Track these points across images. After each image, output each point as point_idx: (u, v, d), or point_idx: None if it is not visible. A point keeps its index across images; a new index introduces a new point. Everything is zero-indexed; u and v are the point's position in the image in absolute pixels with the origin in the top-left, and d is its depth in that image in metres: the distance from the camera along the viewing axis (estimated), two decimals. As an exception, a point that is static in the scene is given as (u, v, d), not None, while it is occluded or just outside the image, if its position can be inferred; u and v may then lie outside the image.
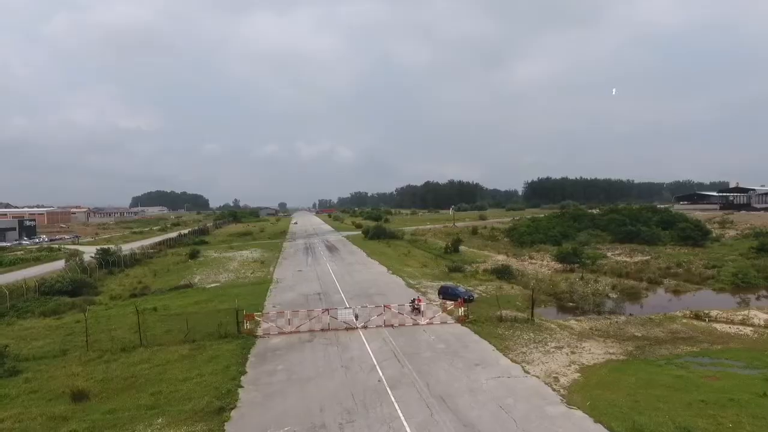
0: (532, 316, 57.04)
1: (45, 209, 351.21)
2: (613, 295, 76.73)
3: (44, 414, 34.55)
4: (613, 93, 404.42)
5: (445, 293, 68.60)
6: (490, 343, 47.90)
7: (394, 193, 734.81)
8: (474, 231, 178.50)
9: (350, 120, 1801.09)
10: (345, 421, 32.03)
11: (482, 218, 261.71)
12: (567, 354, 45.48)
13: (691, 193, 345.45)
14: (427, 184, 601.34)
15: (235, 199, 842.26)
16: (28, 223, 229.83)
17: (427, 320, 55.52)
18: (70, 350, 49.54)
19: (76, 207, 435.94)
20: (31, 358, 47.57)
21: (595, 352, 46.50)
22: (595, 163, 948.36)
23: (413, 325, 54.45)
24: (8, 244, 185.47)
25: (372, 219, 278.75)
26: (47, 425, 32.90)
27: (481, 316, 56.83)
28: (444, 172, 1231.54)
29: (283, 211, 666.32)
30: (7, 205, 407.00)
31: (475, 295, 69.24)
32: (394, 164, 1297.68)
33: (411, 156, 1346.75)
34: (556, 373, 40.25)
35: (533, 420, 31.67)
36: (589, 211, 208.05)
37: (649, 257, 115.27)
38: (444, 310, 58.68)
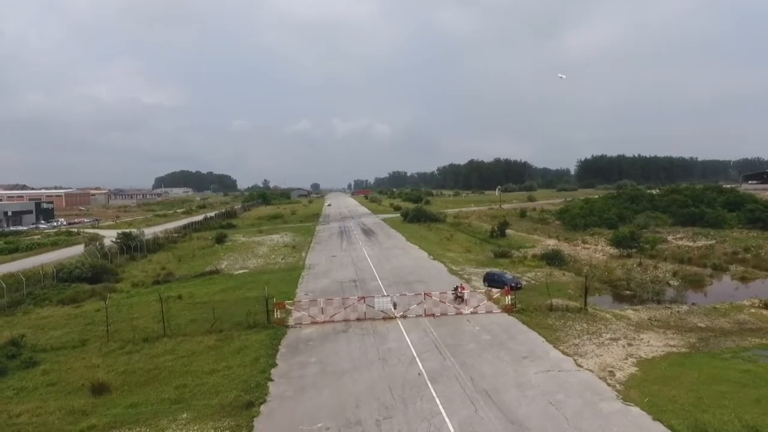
0: (585, 305, 56.62)
1: (63, 191, 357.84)
2: (674, 283, 75.57)
3: (63, 408, 35.45)
4: (562, 77, 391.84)
5: (491, 280, 68.40)
6: (540, 334, 47.74)
7: (436, 172, 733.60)
8: (522, 213, 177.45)
9: (389, 94, 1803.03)
10: (382, 417, 32.16)
11: (531, 200, 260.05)
12: (623, 346, 45.01)
13: (760, 171, 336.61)
14: (472, 162, 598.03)
15: (265, 180, 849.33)
16: (45, 205, 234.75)
17: (471, 309, 55.44)
18: (89, 340, 50.69)
19: (96, 188, 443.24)
20: (49, 348, 48.81)
21: (654, 345, 45.93)
22: (655, 140, 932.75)
23: (456, 314, 54.40)
24: (25, 228, 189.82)
25: (411, 201, 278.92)
26: (66, 420, 33.75)
27: (529, 305, 56.59)
28: (490, 150, 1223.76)
29: (316, 193, 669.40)
30: (24, 187, 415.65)
31: (523, 283, 68.95)
32: (435, 142, 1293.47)
33: (454, 133, 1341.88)
34: (612, 367, 39.89)
35: (586, 417, 31.43)
36: (648, 191, 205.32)
37: (713, 241, 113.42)
38: (489, 298, 58.51)
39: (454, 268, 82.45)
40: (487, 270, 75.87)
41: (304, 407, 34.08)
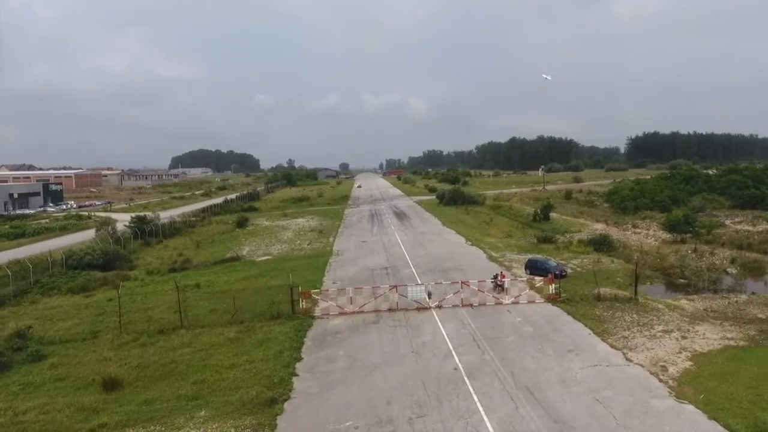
0: (636, 294, 56.18)
1: (73, 171, 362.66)
2: (733, 271, 74.70)
3: (72, 405, 35.95)
4: (547, 78, 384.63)
5: (533, 268, 68.20)
6: (586, 325, 47.54)
7: (474, 151, 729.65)
8: (567, 195, 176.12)
9: (423, 67, 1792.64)
10: (415, 415, 32.18)
11: (577, 180, 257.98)
12: (676, 339, 44.54)
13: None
14: (513, 140, 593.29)
15: (290, 159, 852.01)
16: (53, 187, 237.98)
17: (512, 299, 55.35)
18: (101, 332, 51.38)
19: (108, 169, 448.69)
20: (57, 341, 49.56)
21: (710, 337, 45.38)
22: (712, 116, 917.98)
23: (495, 304, 54.34)
24: (32, 211, 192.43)
25: (448, 182, 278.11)
26: (75, 418, 34.21)
27: (575, 295, 56.36)
28: (532, 127, 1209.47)
29: (344, 173, 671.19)
30: (30, 167, 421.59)
31: (569, 270, 68.67)
32: (474, 118, 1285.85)
33: (494, 108, 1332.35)
34: (664, 362, 39.53)
35: (636, 416, 31.21)
36: (704, 171, 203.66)
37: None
38: (531, 287, 58.18)
39: (493, 254, 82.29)
40: (530, 256, 75.63)
41: (332, 404, 34.24)
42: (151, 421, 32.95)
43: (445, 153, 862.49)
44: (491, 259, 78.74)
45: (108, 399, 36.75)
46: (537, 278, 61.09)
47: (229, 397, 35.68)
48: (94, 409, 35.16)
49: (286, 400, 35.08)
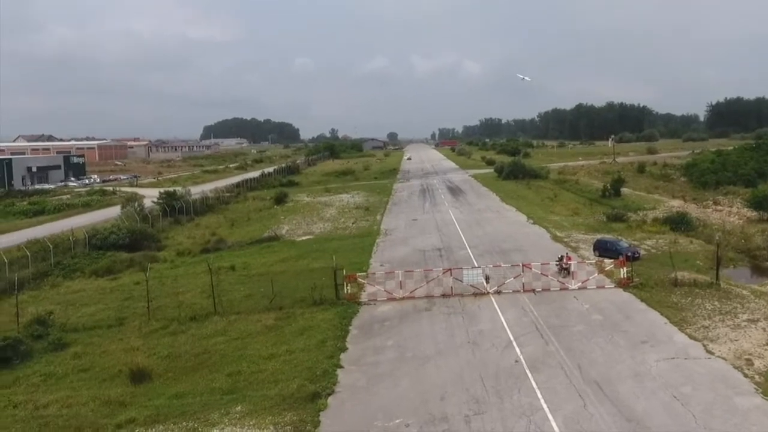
0: (718, 279, 55.20)
1: (96, 142, 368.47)
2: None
3: (97, 398, 36.60)
4: (526, 79, 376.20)
5: (603, 249, 67.49)
6: (662, 313, 46.93)
7: (536, 119, 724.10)
8: (640, 168, 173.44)
9: (478, 26, 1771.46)
10: (472, 412, 32.08)
11: (651, 151, 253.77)
12: (764, 329, 43.59)
13: None
14: (579, 107, 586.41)
15: (333, 129, 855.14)
16: (75, 159, 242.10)
17: (579, 284, 54.81)
18: (127, 319, 52.21)
19: (134, 139, 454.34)
20: (81, 328, 50.49)
21: (804, 328, 44.46)
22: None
23: (560, 289, 54.01)
24: (52, 186, 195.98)
25: (507, 153, 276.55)
26: (100, 412, 34.82)
27: (649, 279, 55.63)
28: (601, 93, 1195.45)
29: (393, 144, 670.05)
30: (50, 138, 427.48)
31: (642, 252, 67.70)
32: (535, 82, 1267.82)
33: (558, 72, 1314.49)
34: (750, 354, 38.79)
35: (718, 414, 30.76)
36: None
37: None
38: (601, 270, 57.64)
39: (558, 234, 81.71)
40: (598, 237, 74.80)
41: (379, 400, 34.33)
42: (183, 417, 33.31)
43: (503, 121, 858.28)
44: (555, 239, 78.20)
45: (136, 392, 37.34)
46: (607, 261, 60.41)
47: (267, 391, 35.94)
48: (121, 403, 35.77)
49: (329, 394, 35.21)
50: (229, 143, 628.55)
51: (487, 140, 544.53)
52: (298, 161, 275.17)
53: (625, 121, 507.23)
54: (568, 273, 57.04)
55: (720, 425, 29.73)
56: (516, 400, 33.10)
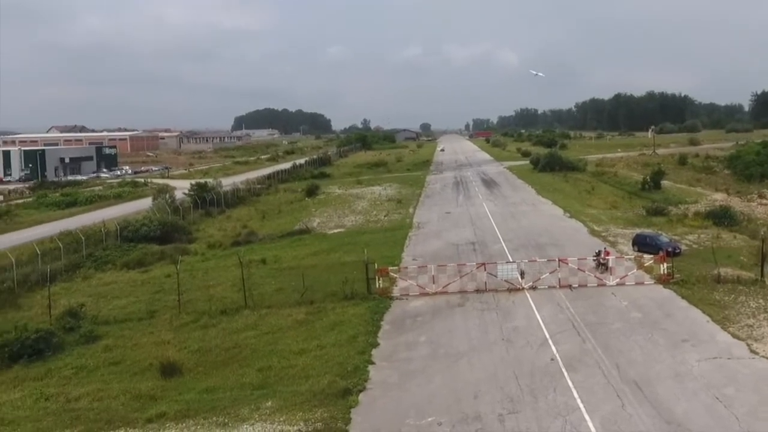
0: (762, 275, 54.53)
1: (128, 133, 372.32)
2: None
3: (128, 391, 37.03)
4: (538, 75, 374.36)
5: (642, 244, 66.92)
6: (703, 311, 46.43)
7: (574, 109, 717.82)
8: (682, 160, 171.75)
9: (514, 13, 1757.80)
10: (506, 411, 31.99)
11: (693, 143, 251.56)
12: (813, 329, 43.18)
13: None
14: (618, 97, 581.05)
15: (365, 120, 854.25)
16: (107, 151, 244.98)
17: (617, 280, 54.49)
18: (158, 312, 52.70)
19: (166, 130, 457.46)
20: (112, 320, 51.15)
21: None
22: None
23: (598, 285, 53.68)
24: (84, 177, 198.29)
25: (543, 144, 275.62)
26: (131, 406, 35.22)
27: (690, 275, 55.11)
28: (641, 82, 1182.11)
29: (426, 135, 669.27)
30: (83, 129, 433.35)
31: (683, 247, 67.00)
32: (573, 71, 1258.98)
33: (596, 60, 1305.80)
34: (796, 355, 38.44)
35: (763, 417, 30.34)
36: None
37: None
38: (640, 266, 57.21)
39: (595, 228, 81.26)
40: (638, 231, 74.36)
41: (411, 397, 34.36)
42: (213, 412, 33.55)
43: (540, 112, 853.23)
44: (593, 233, 77.77)
45: (166, 386, 37.70)
46: (646, 256, 60.08)
47: (298, 387, 36.13)
48: (152, 397, 36.14)
49: (361, 390, 35.29)
50: (261, 134, 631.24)
51: (523, 131, 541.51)
52: (329, 152, 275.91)
53: (665, 111, 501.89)
54: (606, 268, 56.71)
55: (765, 428, 29.44)
56: (551, 400, 32.98)
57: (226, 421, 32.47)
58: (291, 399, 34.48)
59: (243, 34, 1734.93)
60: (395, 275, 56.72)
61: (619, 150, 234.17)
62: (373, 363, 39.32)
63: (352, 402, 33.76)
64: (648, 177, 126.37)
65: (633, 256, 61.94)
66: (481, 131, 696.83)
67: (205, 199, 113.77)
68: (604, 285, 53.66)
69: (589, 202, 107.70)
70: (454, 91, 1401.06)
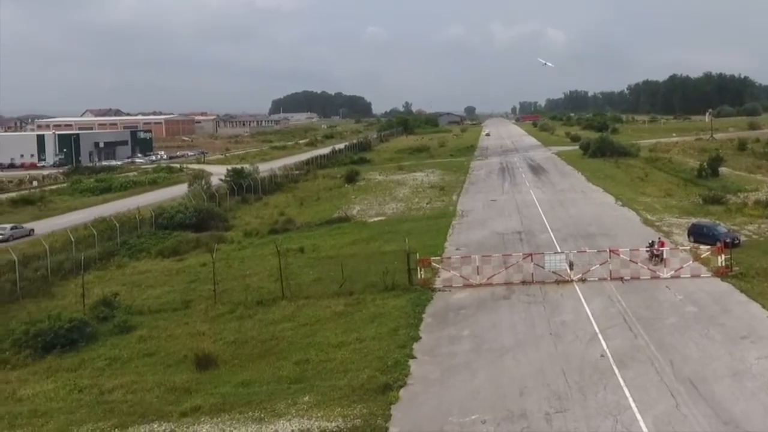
0: (827, 268, 53.75)
1: (163, 117, 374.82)
2: None
3: (162, 384, 37.31)
4: (548, 65, 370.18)
5: (699, 234, 66.02)
6: (764, 306, 45.65)
7: (626, 92, 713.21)
8: (741, 145, 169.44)
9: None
10: (553, 410, 31.60)
11: (753, 127, 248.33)
12: None
13: None
14: (673, 78, 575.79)
15: (406, 103, 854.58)
16: (142, 135, 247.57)
17: (672, 272, 53.77)
18: (193, 302, 53.20)
19: (202, 114, 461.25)
20: (147, 310, 51.71)
21: None
22: None
23: (651, 278, 53.12)
24: (118, 162, 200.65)
25: (593, 129, 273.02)
26: (165, 399, 35.45)
27: (750, 268, 54.28)
28: (697, 62, 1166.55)
29: (470, 119, 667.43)
30: (117, 112, 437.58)
31: (742, 238, 66.06)
32: (625, 52, 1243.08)
33: (650, 39, 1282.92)
34: None
35: (829, 419, 29.82)
36: None
37: None
38: (696, 258, 56.38)
39: (649, 217, 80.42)
40: (694, 220, 73.40)
41: (454, 393, 34.14)
42: (249, 406, 33.56)
43: (590, 94, 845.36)
44: (646, 222, 76.95)
45: (201, 378, 37.93)
46: (703, 247, 59.15)
47: (336, 381, 36.09)
48: (186, 390, 36.33)
49: (401, 386, 35.06)
50: (299, 118, 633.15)
51: (572, 115, 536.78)
52: (369, 137, 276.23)
53: (724, 94, 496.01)
54: (660, 260, 56.03)
55: (827, 430, 28.89)
56: (601, 398, 32.54)
57: (262, 416, 32.40)
58: (329, 394, 34.42)
59: (279, 14, 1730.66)
60: (438, 266, 56.52)
61: (674, 134, 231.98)
62: (414, 357, 39.14)
63: (392, 398, 33.56)
64: (705, 163, 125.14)
65: (689, 247, 61.17)
66: (528, 115, 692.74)
67: (241, 186, 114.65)
68: (657, 277, 53.07)
69: (642, 189, 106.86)
70: (500, 73, 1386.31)
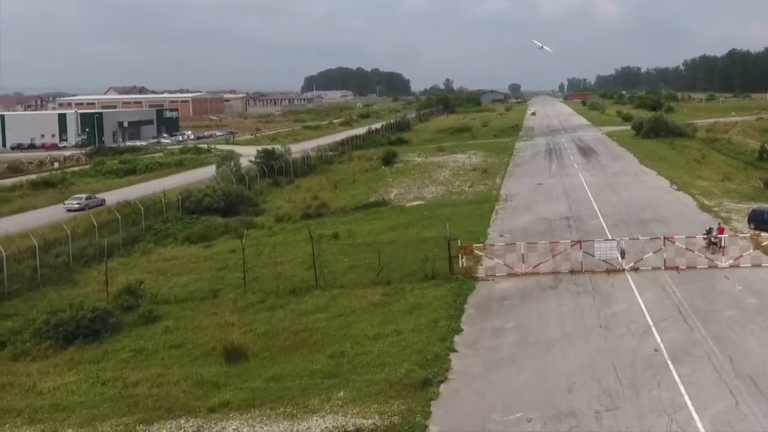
0: None
1: (190, 95, 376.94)
2: None
3: (189, 377, 37.37)
4: (545, 49, 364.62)
5: (760, 221, 65.29)
6: (830, 297, 45.16)
7: (682, 68, 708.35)
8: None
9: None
10: (604, 407, 31.24)
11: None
12: None
13: None
14: (733, 54, 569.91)
15: (447, 80, 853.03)
16: (168, 114, 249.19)
17: (731, 261, 53.23)
18: (222, 291, 53.35)
19: (231, 92, 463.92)
20: (173, 299, 51.92)
21: None
22: None
23: (709, 267, 52.55)
24: (143, 143, 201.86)
25: (647, 107, 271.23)
26: (193, 393, 35.45)
27: (814, 257, 53.73)
28: (759, 36, 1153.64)
29: (515, 97, 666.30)
30: (142, 90, 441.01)
31: (807, 225, 65.26)
32: (681, 25, 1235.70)
33: (708, 11, 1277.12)
34: None
35: None
36: None
37: None
38: (757, 246, 55.41)
39: (706, 202, 79.76)
40: (754, 206, 72.60)
41: (498, 389, 33.94)
42: (280, 401, 33.45)
43: (643, 70, 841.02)
44: (703, 208, 76.32)
45: (230, 372, 37.96)
46: (764, 234, 58.36)
47: (373, 376, 35.97)
48: (215, 384, 36.32)
49: (442, 381, 34.88)
50: (333, 96, 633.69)
51: (624, 92, 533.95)
52: (408, 116, 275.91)
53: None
54: (719, 248, 55.38)
55: None
56: (655, 395, 32.14)
57: (294, 411, 32.31)
58: (365, 389, 34.25)
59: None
60: (480, 253, 56.34)
61: (733, 114, 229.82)
62: (455, 351, 38.93)
63: (432, 394, 33.36)
64: (766, 145, 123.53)
65: (749, 234, 60.32)
66: (576, 92, 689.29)
67: (272, 168, 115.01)
68: (715, 266, 52.54)
69: (698, 172, 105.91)
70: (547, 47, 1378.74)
